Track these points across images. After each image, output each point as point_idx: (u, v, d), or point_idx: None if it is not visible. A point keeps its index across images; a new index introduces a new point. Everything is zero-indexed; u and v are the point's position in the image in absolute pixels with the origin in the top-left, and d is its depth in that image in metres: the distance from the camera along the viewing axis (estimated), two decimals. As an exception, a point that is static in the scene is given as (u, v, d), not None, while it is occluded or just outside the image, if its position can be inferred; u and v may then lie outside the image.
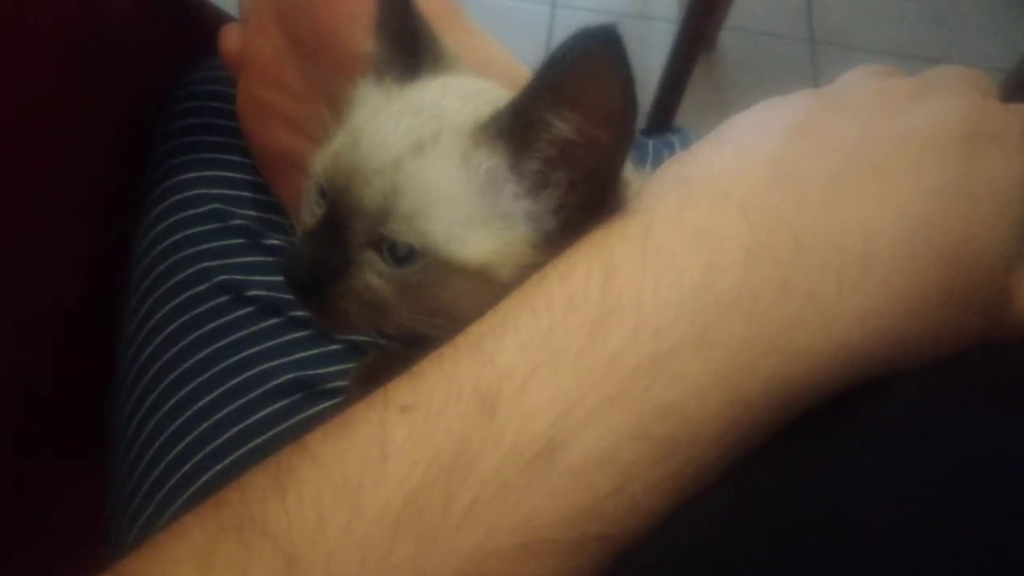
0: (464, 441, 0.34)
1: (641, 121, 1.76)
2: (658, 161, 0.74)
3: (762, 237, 0.37)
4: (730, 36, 2.11)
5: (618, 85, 0.38)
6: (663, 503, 0.35)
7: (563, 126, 0.39)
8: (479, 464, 0.34)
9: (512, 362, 0.35)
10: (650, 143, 0.79)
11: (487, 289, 0.41)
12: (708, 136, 0.44)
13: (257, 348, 0.64)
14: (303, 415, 0.62)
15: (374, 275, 0.44)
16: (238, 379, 0.63)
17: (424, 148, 0.42)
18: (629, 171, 0.44)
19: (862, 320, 0.36)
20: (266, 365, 0.63)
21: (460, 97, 0.45)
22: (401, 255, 0.42)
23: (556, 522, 0.33)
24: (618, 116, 0.39)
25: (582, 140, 0.40)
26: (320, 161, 0.46)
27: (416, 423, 0.35)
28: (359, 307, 0.44)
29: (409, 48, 0.48)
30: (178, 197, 0.71)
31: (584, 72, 0.38)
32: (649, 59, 1.81)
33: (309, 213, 0.47)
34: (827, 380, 0.36)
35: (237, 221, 0.69)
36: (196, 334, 0.65)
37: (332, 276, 0.44)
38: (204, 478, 0.59)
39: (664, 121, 1.74)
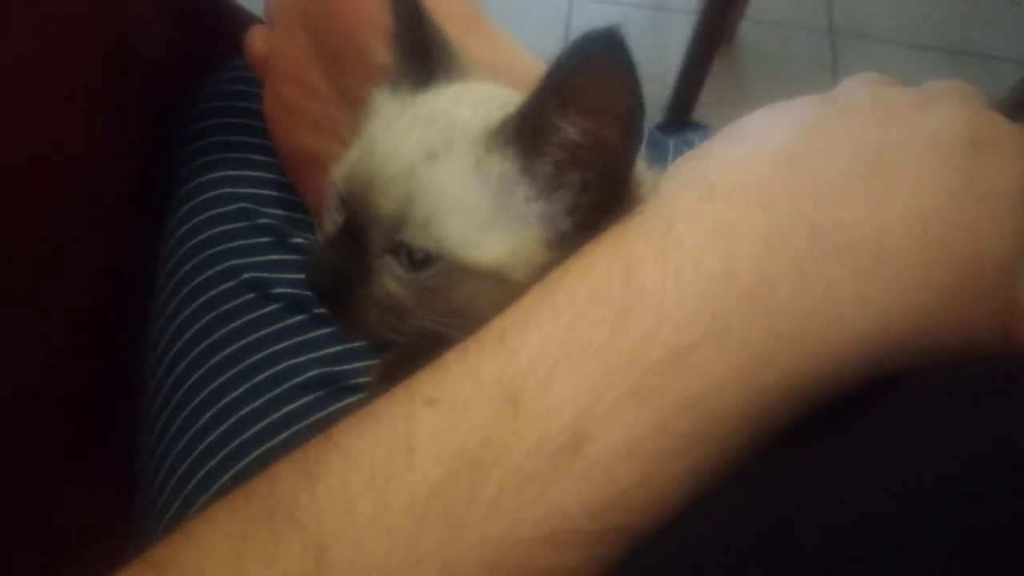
0: (489, 434, 0.35)
1: (659, 114, 1.75)
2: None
3: (780, 231, 0.37)
4: (749, 28, 2.10)
5: (624, 88, 0.38)
6: (684, 495, 0.35)
7: (571, 129, 0.40)
8: (504, 457, 0.34)
9: (535, 356, 0.36)
10: (671, 142, 0.79)
11: (503, 290, 0.42)
12: (719, 135, 0.45)
13: (282, 345, 0.65)
14: (328, 411, 0.63)
15: (392, 280, 0.45)
16: (263, 375, 0.64)
17: (437, 156, 0.43)
18: (643, 169, 0.45)
19: (878, 314, 0.36)
20: (291, 361, 0.64)
21: (472, 104, 0.46)
22: (418, 260, 0.43)
23: (580, 514, 0.34)
24: (626, 117, 0.39)
25: (591, 141, 0.40)
26: (339, 170, 0.47)
27: (441, 416, 0.36)
28: (379, 312, 0.46)
29: (422, 58, 0.49)
30: (205, 196, 0.72)
31: (589, 77, 0.38)
32: (667, 51, 1.80)
33: (330, 221, 0.48)
34: (844, 374, 0.36)
35: (263, 220, 0.70)
36: (222, 331, 0.66)
37: (352, 283, 0.45)
38: (230, 473, 0.61)
39: (683, 114, 1.74)
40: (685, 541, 0.36)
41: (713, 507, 0.36)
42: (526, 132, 0.42)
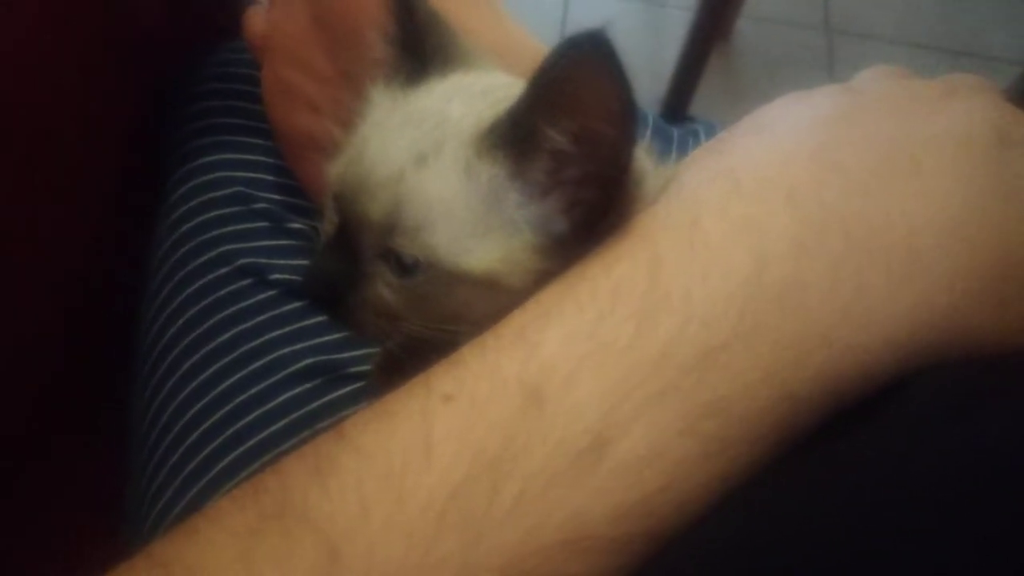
0: (510, 434, 0.33)
1: (657, 108, 1.75)
2: (683, 150, 0.73)
3: (811, 229, 0.36)
4: (746, 25, 2.09)
5: (615, 87, 0.37)
6: (709, 499, 0.34)
7: (560, 137, 0.39)
8: (525, 458, 0.33)
9: (557, 353, 0.35)
10: (675, 132, 0.78)
11: (496, 296, 0.41)
12: (739, 125, 0.44)
13: (279, 332, 0.64)
14: (324, 400, 0.62)
15: (384, 286, 0.44)
16: (259, 363, 0.63)
17: (426, 160, 0.42)
18: (646, 163, 0.43)
19: (909, 313, 0.36)
20: (288, 349, 0.63)
21: (466, 100, 0.44)
22: (408, 267, 0.42)
23: (604, 519, 0.33)
24: (619, 115, 0.38)
25: (585, 140, 0.39)
26: (333, 171, 0.46)
27: (460, 414, 0.34)
28: (373, 317, 0.45)
29: (417, 52, 0.47)
30: (201, 179, 0.70)
31: (577, 81, 0.37)
32: (664, 47, 1.80)
33: (328, 222, 0.47)
34: (873, 374, 0.36)
35: (260, 204, 0.69)
36: (217, 317, 0.65)
37: (347, 288, 0.44)
38: (224, 462, 0.59)
39: (679, 110, 1.73)
40: (697, 544, 0.35)
41: (727, 506, 0.35)
42: (515, 138, 0.40)
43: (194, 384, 0.63)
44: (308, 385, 0.62)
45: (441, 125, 0.43)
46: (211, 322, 0.65)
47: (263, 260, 0.67)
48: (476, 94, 0.45)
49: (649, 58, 1.86)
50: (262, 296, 0.66)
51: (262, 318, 0.65)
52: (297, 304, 0.65)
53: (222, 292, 0.66)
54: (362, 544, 0.32)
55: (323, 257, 0.46)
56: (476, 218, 0.41)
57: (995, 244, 0.37)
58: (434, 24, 0.47)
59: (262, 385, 0.62)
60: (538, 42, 0.60)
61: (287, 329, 0.64)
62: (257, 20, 0.65)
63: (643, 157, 0.44)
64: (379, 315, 0.44)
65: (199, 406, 0.62)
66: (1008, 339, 0.38)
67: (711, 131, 0.77)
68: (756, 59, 2.09)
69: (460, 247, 0.41)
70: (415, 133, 0.43)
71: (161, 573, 0.33)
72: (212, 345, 0.64)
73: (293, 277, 0.66)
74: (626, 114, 0.38)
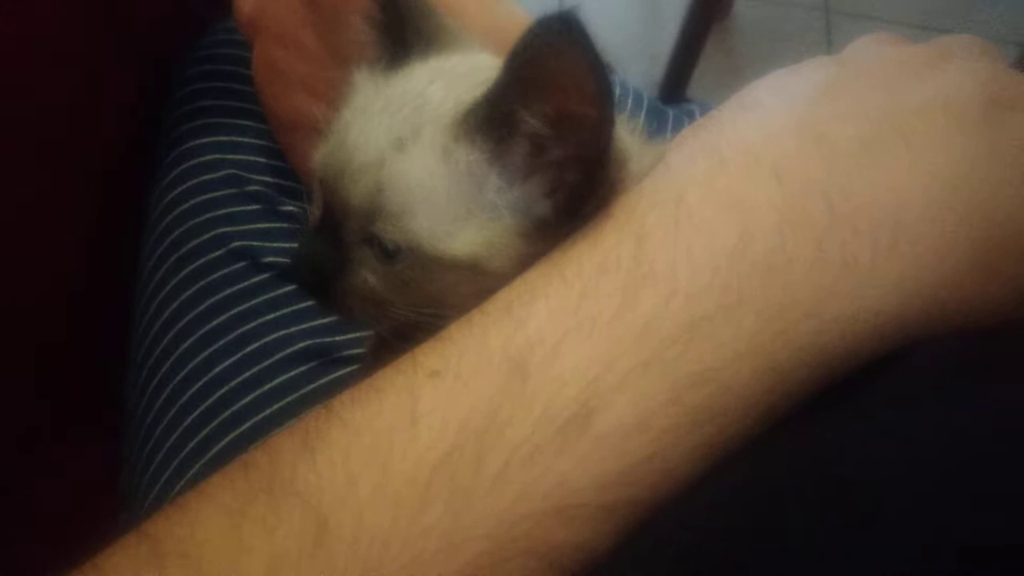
0: (495, 405, 0.34)
1: (654, 91, 1.75)
2: (678, 130, 0.72)
3: (796, 203, 0.36)
4: (744, 4, 2.08)
5: (587, 69, 0.36)
6: (695, 469, 0.35)
7: (535, 120, 0.39)
8: (510, 428, 0.33)
9: (543, 327, 0.35)
10: (670, 112, 0.77)
11: (482, 280, 0.41)
12: (728, 102, 0.44)
13: (273, 315, 0.64)
14: (319, 382, 0.62)
15: (369, 272, 0.44)
16: (254, 346, 0.63)
17: (405, 145, 0.41)
18: (630, 145, 0.43)
19: (896, 286, 0.35)
20: (282, 332, 0.63)
21: (447, 83, 0.44)
22: (391, 252, 0.42)
23: (589, 487, 0.33)
24: (596, 95, 0.38)
25: (564, 122, 0.39)
26: (317, 157, 0.46)
27: (446, 387, 0.35)
28: (359, 302, 0.45)
29: (399, 35, 0.47)
30: (193, 162, 0.70)
31: (548, 64, 0.36)
32: (662, 28, 1.79)
33: (315, 206, 0.47)
34: (860, 348, 0.35)
35: (253, 187, 0.69)
36: (211, 300, 0.65)
37: (334, 273, 0.44)
38: (220, 444, 0.60)
39: (677, 90, 1.72)
40: (689, 513, 0.35)
41: (717, 479, 0.35)
42: (492, 122, 0.40)
43: (189, 368, 0.63)
44: (302, 368, 0.62)
45: (420, 109, 0.42)
46: (205, 305, 0.65)
47: (256, 243, 0.66)
48: (458, 77, 0.44)
49: (647, 39, 1.85)
50: (255, 279, 0.65)
51: (255, 301, 0.65)
52: (290, 287, 0.65)
53: (215, 275, 0.66)
54: (350, 514, 0.32)
55: (309, 242, 0.46)
56: (456, 203, 0.41)
57: (984, 213, 0.37)
58: (417, 7, 0.47)
59: (256, 368, 0.62)
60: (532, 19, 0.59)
61: (281, 312, 0.64)
62: (247, 0, 0.64)
63: (627, 138, 0.43)
64: (365, 300, 0.44)
65: (194, 390, 0.62)
66: (999, 309, 0.38)
67: (707, 111, 0.77)
68: (754, 40, 2.08)
69: (441, 232, 0.41)
70: (395, 118, 0.43)
71: (151, 547, 0.33)
72: (206, 328, 0.64)
73: (286, 260, 0.66)
74: (602, 94, 0.37)
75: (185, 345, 0.64)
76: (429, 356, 0.36)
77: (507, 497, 0.33)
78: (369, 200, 0.41)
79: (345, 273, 0.44)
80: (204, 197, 0.68)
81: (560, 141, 0.39)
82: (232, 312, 0.64)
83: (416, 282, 0.42)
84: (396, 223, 0.41)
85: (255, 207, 0.68)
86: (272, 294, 0.65)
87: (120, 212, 0.76)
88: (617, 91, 0.66)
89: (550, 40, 0.36)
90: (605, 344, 0.34)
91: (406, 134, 0.42)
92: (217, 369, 0.62)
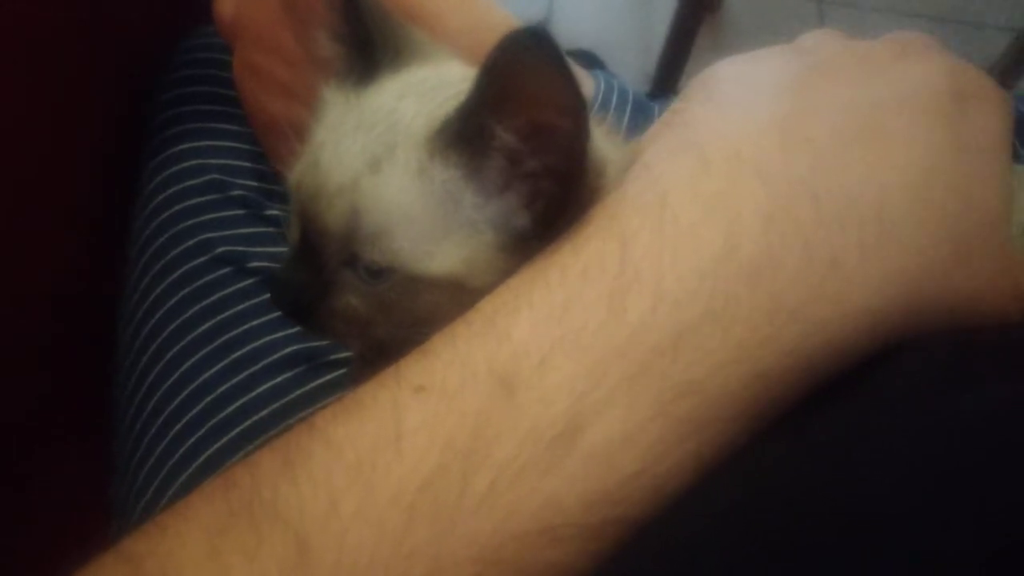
0: (481, 422, 0.33)
1: (646, 84, 1.74)
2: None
3: (781, 203, 0.36)
4: (735, -3, 2.07)
5: (557, 81, 0.36)
6: (684, 482, 0.34)
7: (508, 135, 0.38)
8: (497, 446, 0.33)
9: (528, 339, 0.34)
10: (656, 107, 0.77)
11: (465, 296, 0.40)
12: (691, 93, 0.43)
13: (259, 320, 0.64)
14: (306, 388, 0.61)
15: (351, 294, 0.43)
16: (240, 352, 0.62)
17: (380, 165, 0.41)
18: (607, 152, 0.42)
19: (882, 284, 0.35)
20: (269, 338, 0.63)
21: (418, 98, 0.43)
22: (372, 273, 0.42)
23: (577, 506, 0.32)
24: (566, 108, 0.38)
25: (535, 137, 0.38)
26: (292, 178, 0.45)
27: (431, 404, 0.34)
28: (344, 325, 0.44)
29: (366, 48, 0.46)
30: (176, 168, 0.70)
31: (518, 78, 0.36)
32: (653, 21, 1.78)
33: (293, 228, 0.46)
34: (847, 349, 0.35)
35: (237, 192, 0.68)
36: (197, 307, 0.64)
37: (315, 298, 0.44)
38: (208, 452, 0.59)
39: (669, 84, 1.71)
40: (683, 522, 0.34)
41: (712, 485, 0.35)
42: (465, 137, 0.40)
43: (176, 374, 0.63)
44: (290, 373, 0.62)
45: (393, 127, 0.42)
46: (191, 312, 0.64)
47: (241, 248, 0.66)
48: (428, 91, 0.44)
49: (638, 33, 1.84)
50: (241, 284, 0.65)
51: (242, 307, 0.64)
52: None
53: (201, 281, 0.65)
54: (332, 536, 0.31)
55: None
56: (435, 221, 0.41)
57: (956, 200, 0.37)
58: (382, 18, 0.46)
59: (244, 374, 0.62)
60: (511, 17, 0.59)
61: (267, 317, 0.64)
62: (226, 3, 0.64)
63: (604, 146, 0.43)
64: (350, 323, 0.44)
65: (181, 397, 0.62)
66: (981, 298, 0.38)
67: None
68: (747, 32, 2.06)
69: (421, 251, 0.41)
70: (368, 136, 0.42)
71: (131, 569, 0.32)
72: (193, 335, 0.64)
73: (272, 264, 0.65)
74: (574, 105, 0.37)
75: (171, 353, 0.63)
76: (413, 371, 0.35)
77: (494, 518, 0.32)
78: (346, 223, 0.41)
79: (328, 297, 0.44)
80: (188, 203, 0.68)
81: (534, 154, 0.39)
82: (218, 318, 0.64)
83: (400, 302, 0.42)
84: (375, 244, 0.41)
85: (239, 212, 0.68)
86: (257, 299, 0.64)
87: (109, 217, 0.76)
88: (602, 88, 0.66)
89: (519, 54, 0.35)
90: (592, 357, 0.34)
91: (380, 153, 0.41)
92: (204, 376, 0.62)
